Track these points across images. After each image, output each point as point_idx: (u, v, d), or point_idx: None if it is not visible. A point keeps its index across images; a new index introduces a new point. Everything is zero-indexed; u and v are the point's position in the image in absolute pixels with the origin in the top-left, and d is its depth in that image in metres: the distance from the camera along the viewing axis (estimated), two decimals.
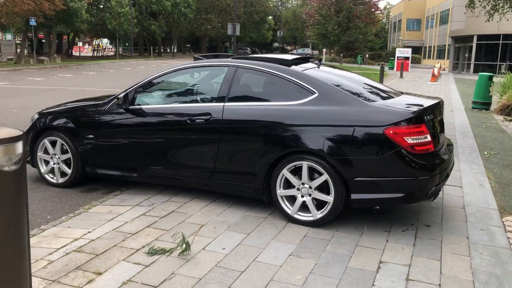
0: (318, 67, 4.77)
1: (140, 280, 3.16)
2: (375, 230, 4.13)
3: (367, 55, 52.81)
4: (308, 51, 74.09)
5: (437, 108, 4.42)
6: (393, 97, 4.50)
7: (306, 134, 4.07)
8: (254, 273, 3.30)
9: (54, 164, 5.30)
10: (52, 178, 5.36)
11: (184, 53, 73.58)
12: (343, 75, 4.85)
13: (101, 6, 49.19)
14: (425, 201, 4.24)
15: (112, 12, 45.56)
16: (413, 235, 4.04)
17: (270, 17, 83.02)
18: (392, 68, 39.88)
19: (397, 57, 38.95)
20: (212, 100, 4.64)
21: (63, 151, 5.22)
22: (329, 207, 4.08)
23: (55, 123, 5.23)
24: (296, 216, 4.21)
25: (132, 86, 4.93)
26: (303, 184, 4.15)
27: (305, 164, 4.10)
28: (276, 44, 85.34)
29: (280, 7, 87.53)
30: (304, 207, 4.19)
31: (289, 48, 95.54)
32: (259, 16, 72.19)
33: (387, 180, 3.92)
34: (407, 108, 4.02)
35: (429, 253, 3.70)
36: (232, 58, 4.77)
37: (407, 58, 38.66)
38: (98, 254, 3.53)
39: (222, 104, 4.45)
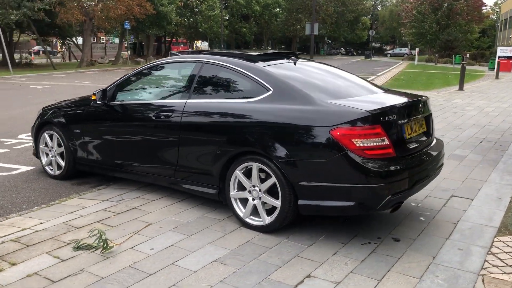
0: (294, 63, 4.44)
1: (45, 274, 3.14)
2: (331, 240, 3.74)
3: (467, 55, 49.05)
4: (405, 50, 70.96)
5: (413, 107, 3.91)
6: (360, 96, 4.05)
7: (256, 134, 3.80)
8: (161, 277, 3.13)
9: (52, 157, 5.54)
10: (51, 170, 5.61)
11: None
12: (320, 73, 4.48)
13: (196, 10, 51.27)
14: (382, 211, 3.80)
15: (203, 15, 47.31)
16: (370, 250, 3.59)
17: (365, 17, 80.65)
18: (492, 69, 36.57)
19: (498, 56, 35.63)
20: (177, 96, 4.54)
21: (59, 145, 5.44)
22: (277, 212, 3.78)
23: (53, 118, 5.46)
24: (247, 220, 3.96)
25: (114, 82, 4.99)
26: (253, 186, 3.88)
27: (254, 166, 3.84)
28: (373, 44, 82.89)
29: (378, 6, 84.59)
30: (257, 211, 3.92)
31: (387, 48, 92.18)
32: (352, 15, 70.45)
33: (335, 187, 3.52)
34: (362, 108, 3.58)
35: (373, 271, 3.25)
36: (204, 54, 4.62)
37: (510, 57, 35.24)
38: (29, 245, 3.60)
39: (185, 100, 4.33)
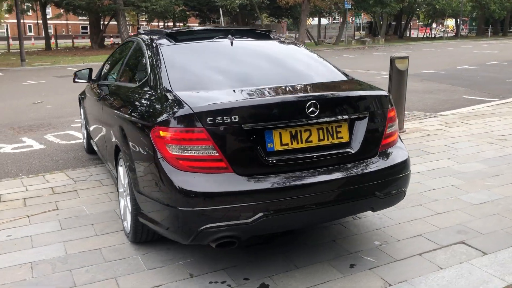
0: (231, 44, 3.54)
1: None
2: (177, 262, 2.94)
3: None
4: None
5: (304, 104, 2.66)
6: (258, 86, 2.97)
7: (123, 124, 3.23)
8: None
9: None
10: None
11: None
12: (243, 58, 3.44)
13: None
14: (201, 244, 2.88)
15: None
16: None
17: None
18: None
19: None
20: (113, 77, 4.20)
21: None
22: (129, 221, 3.17)
23: (82, 95, 5.78)
24: (124, 223, 3.44)
25: (104, 63, 4.95)
26: (124, 186, 3.34)
27: (120, 162, 3.30)
28: None
29: None
30: None
31: None
32: None
33: (154, 203, 2.72)
34: (192, 103, 2.61)
35: None
36: (150, 32, 4.10)
37: None
38: None
39: (110, 83, 4.03)
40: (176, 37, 3.58)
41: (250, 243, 3.23)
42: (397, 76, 6.18)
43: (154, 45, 3.43)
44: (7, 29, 20.59)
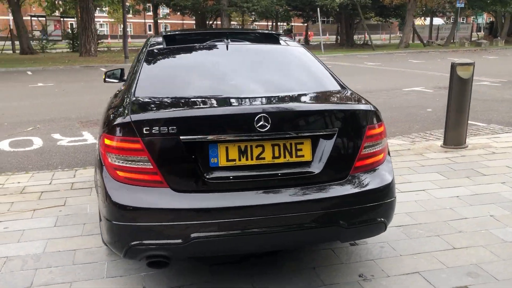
0: (226, 48, 3.34)
1: None
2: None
3: None
4: None
5: (255, 117, 2.39)
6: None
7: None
8: None
9: None
10: None
11: None
12: (229, 63, 3.21)
13: None
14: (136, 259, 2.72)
15: None
16: None
17: None
18: None
19: None
20: None
21: None
22: None
23: None
24: None
25: None
26: None
27: None
28: None
29: None
30: None
31: None
32: None
33: (100, 213, 2.64)
34: (142, 111, 2.49)
35: None
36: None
37: None
38: None
39: None
40: (171, 40, 3.48)
41: (221, 261, 3.03)
42: (458, 85, 5.47)
43: (143, 49, 3.36)
44: (124, 28, 22.17)
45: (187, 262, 3.03)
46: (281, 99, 2.75)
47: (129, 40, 50.90)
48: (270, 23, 48.60)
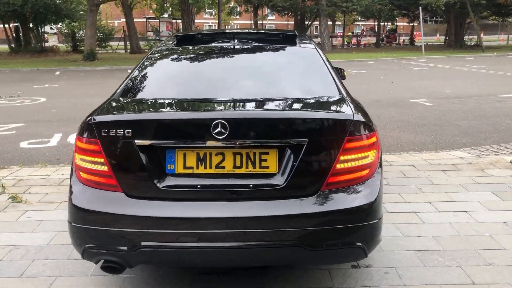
0: (229, 49, 3.22)
1: None
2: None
3: None
4: None
5: (215, 124, 2.22)
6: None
7: None
8: None
9: None
10: None
11: None
12: (229, 65, 3.07)
13: None
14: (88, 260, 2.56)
15: None
16: None
17: None
18: None
19: None
20: None
21: None
22: None
23: None
24: None
25: None
26: None
27: None
28: None
29: None
30: None
31: None
32: None
33: None
34: (106, 112, 2.46)
35: None
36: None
37: None
38: None
39: None
40: (181, 41, 3.43)
41: (211, 271, 2.90)
42: None
43: (151, 50, 3.36)
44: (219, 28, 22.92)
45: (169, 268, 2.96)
46: (250, 105, 2.56)
47: None
48: (375, 23, 46.99)
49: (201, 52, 3.27)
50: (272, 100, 2.59)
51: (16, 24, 31.68)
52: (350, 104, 2.54)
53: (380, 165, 2.51)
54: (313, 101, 2.62)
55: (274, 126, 2.30)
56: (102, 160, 2.32)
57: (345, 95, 2.71)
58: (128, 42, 32.62)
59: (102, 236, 2.29)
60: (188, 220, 2.23)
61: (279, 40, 3.44)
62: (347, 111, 2.41)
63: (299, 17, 35.83)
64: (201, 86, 2.81)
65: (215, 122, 2.22)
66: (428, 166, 5.03)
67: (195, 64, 3.14)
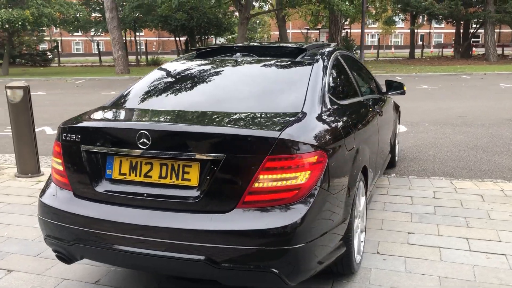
0: (235, 62, 3.30)
1: None
2: None
3: None
4: None
5: (152, 135, 2.33)
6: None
7: None
8: None
9: None
10: None
11: None
12: (228, 78, 3.15)
13: None
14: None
15: None
16: None
17: None
18: None
19: None
20: None
21: None
22: None
23: None
24: None
25: None
26: None
27: None
28: None
29: None
30: None
31: None
32: None
33: None
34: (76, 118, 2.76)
35: None
36: None
37: None
38: None
39: None
40: (201, 54, 3.59)
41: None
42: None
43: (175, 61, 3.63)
44: (361, 36, 22.52)
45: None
46: (183, 118, 2.59)
47: (392, 50, 50.83)
48: None
49: (196, 64, 3.38)
50: (218, 114, 2.59)
51: (184, 37, 35.44)
52: (296, 122, 2.40)
53: (329, 188, 2.33)
54: (261, 116, 2.53)
55: (193, 140, 2.31)
56: (61, 161, 2.60)
57: (307, 112, 2.56)
58: None
59: (52, 229, 2.57)
60: (113, 224, 2.36)
61: (285, 54, 3.37)
62: (276, 129, 2.29)
63: (462, 24, 32.97)
64: (167, 98, 2.96)
65: (139, 132, 2.33)
66: (501, 198, 4.32)
67: (180, 77, 3.27)
